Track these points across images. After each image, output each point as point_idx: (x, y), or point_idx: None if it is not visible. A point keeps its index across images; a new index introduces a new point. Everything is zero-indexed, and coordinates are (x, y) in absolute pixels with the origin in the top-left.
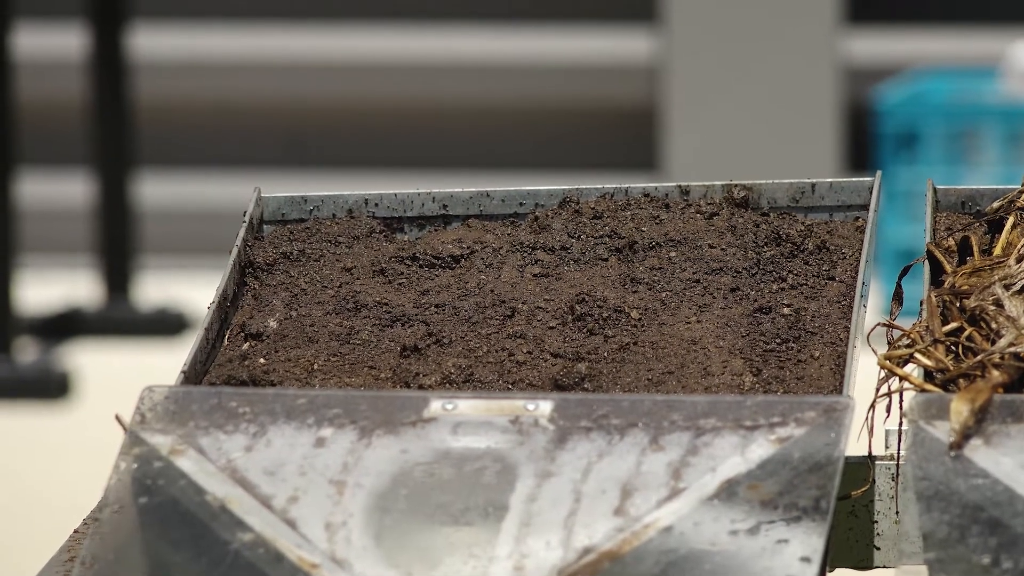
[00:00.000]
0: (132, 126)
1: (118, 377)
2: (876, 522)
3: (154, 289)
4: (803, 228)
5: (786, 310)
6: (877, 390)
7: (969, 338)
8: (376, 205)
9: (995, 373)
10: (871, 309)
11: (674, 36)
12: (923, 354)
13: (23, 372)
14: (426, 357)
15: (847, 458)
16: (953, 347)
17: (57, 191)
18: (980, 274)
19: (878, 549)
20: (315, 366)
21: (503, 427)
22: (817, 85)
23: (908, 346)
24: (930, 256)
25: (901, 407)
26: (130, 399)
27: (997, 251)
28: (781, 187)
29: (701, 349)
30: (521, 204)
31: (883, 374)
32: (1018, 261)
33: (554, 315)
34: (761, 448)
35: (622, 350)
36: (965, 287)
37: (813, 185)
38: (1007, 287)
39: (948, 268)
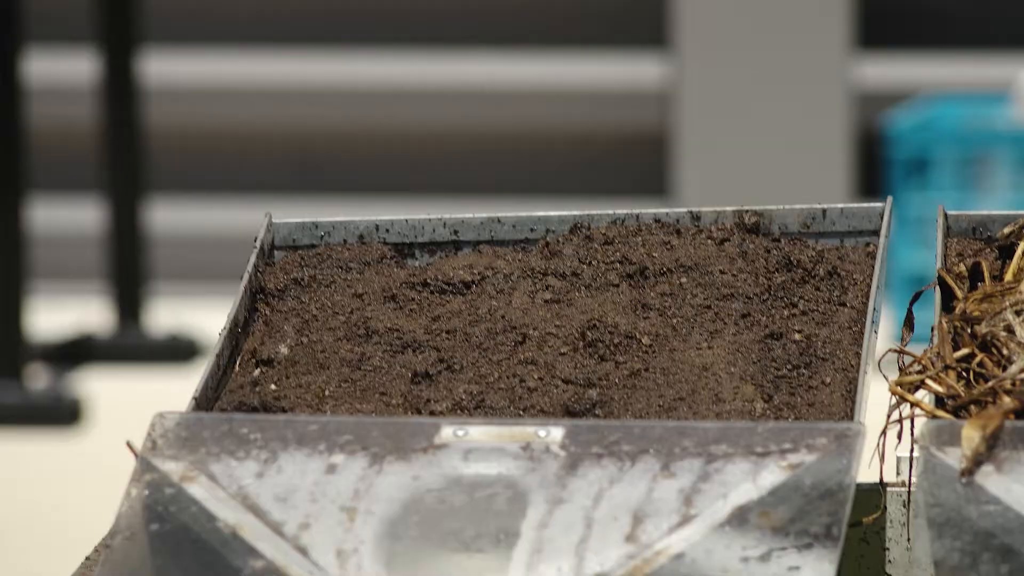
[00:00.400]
0: (143, 152)
1: (129, 403)
2: (887, 549)
3: (165, 315)
4: (814, 254)
5: (797, 336)
6: (888, 416)
7: (980, 364)
8: (387, 231)
9: (1006, 399)
10: (882, 335)
11: (685, 62)
12: (934, 380)
13: (34, 399)
14: (437, 383)
15: (858, 485)
16: (964, 373)
17: (68, 217)
18: (991, 300)
19: None
20: (326, 392)
21: (514, 453)
22: (828, 110)
23: (919, 372)
24: (941, 282)
25: (912, 433)
26: (141, 425)
27: (1008, 277)
28: (792, 213)
29: (712, 375)
30: (532, 230)
31: (894, 400)
32: None
33: (565, 341)
34: (772, 475)
35: (633, 376)
36: (976, 313)
37: (824, 211)
38: (1018, 313)
39: (959, 294)
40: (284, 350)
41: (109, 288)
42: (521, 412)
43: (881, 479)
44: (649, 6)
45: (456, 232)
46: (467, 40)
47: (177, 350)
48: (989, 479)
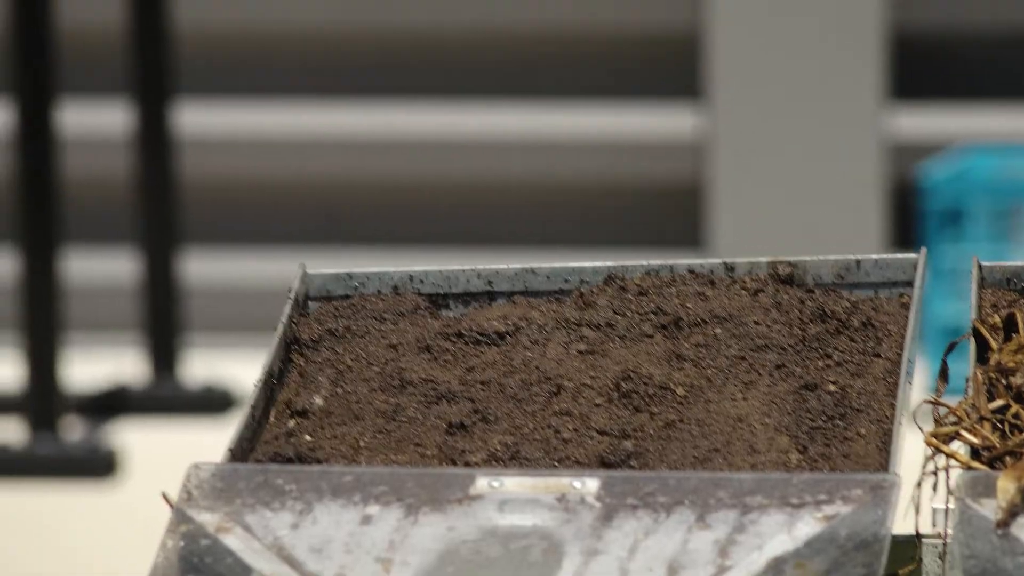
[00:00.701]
0: (177, 203)
1: (165, 455)
2: None
3: (200, 366)
4: (848, 305)
5: (832, 387)
6: (923, 467)
7: (1015, 415)
8: (421, 282)
9: None
10: (917, 386)
11: (718, 113)
12: (969, 431)
13: (70, 450)
14: (472, 434)
15: (894, 536)
16: (999, 424)
17: (102, 268)
18: None
19: None
20: (361, 443)
21: (549, 505)
22: (862, 161)
23: (954, 423)
24: (976, 333)
25: (948, 485)
26: (177, 477)
27: None
28: (826, 264)
29: (747, 426)
30: (566, 281)
31: (929, 451)
32: None
33: (600, 392)
34: (808, 526)
35: (668, 427)
36: (1011, 364)
37: (858, 262)
38: None
39: (994, 345)
40: (319, 401)
41: (144, 339)
42: (556, 463)
43: (916, 531)
44: (683, 57)
45: (490, 283)
46: (500, 91)
47: (212, 401)
48: None
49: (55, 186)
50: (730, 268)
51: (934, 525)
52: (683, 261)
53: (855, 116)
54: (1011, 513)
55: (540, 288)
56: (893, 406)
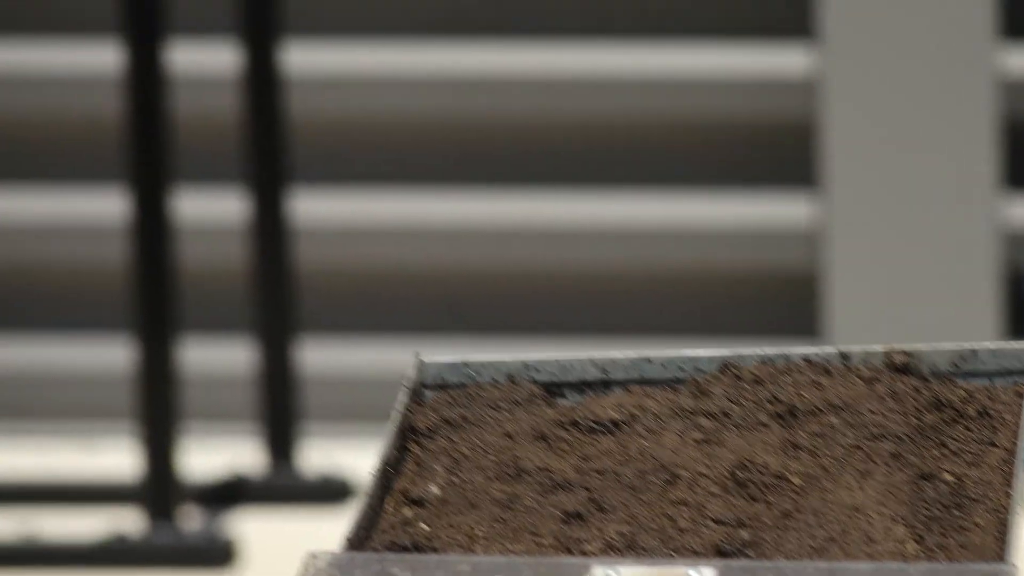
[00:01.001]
0: (293, 291)
1: (282, 544)
2: None
3: (317, 456)
4: (964, 394)
5: (948, 476)
6: None
7: None
8: (536, 370)
9: None
10: None
11: (834, 201)
12: None
13: (188, 540)
14: (588, 523)
15: None
16: None
17: (219, 357)
18: None
19: None
20: (477, 532)
21: None
22: (976, 249)
23: None
24: None
25: None
26: (294, 566)
27: None
28: (942, 352)
29: (863, 516)
30: (681, 369)
31: None
32: None
33: (716, 481)
34: None
35: (784, 517)
36: None
37: (974, 351)
38: None
39: None
40: (435, 490)
41: (261, 428)
42: (672, 552)
43: None
44: (797, 145)
45: (606, 371)
46: (615, 179)
47: (329, 490)
48: None
49: (171, 275)
50: (845, 357)
51: None
52: (798, 350)
53: (969, 204)
54: None
55: (655, 377)
56: (1009, 496)
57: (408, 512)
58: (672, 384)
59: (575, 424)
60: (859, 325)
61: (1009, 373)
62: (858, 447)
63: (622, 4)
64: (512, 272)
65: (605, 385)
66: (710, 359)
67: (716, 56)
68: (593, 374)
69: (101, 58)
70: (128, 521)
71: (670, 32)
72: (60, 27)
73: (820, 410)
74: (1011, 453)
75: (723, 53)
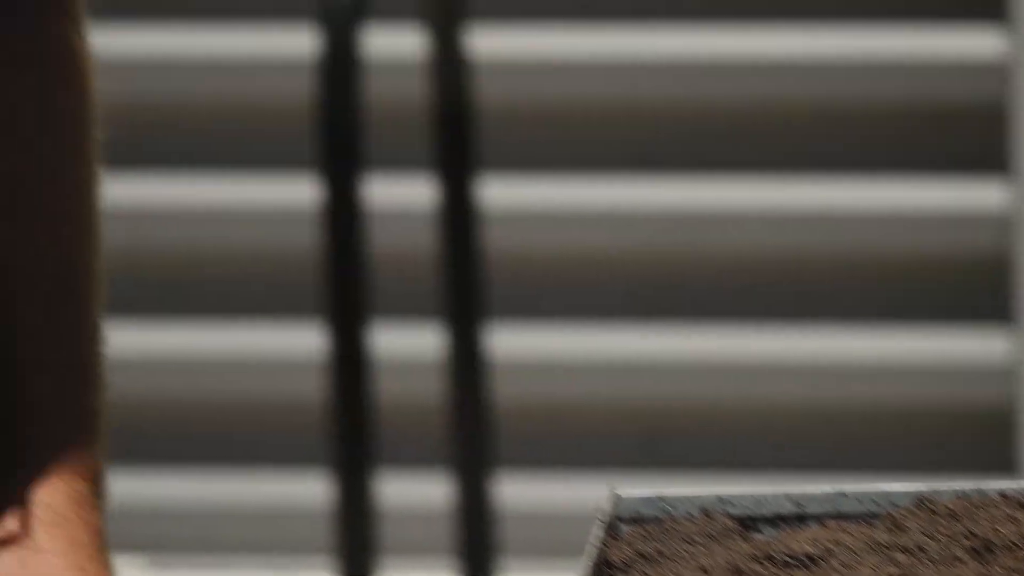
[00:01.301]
0: (489, 427)
1: None
2: None
3: None
4: None
5: None
6: None
7: None
8: (731, 504)
9: None
10: None
11: None
12: None
13: None
14: None
15: None
16: None
17: (416, 492)
18: None
19: None
20: None
21: None
22: None
23: None
24: None
25: None
26: None
27: None
28: None
29: None
30: (876, 503)
31: None
32: None
33: None
34: None
35: None
36: None
37: None
38: None
39: None
40: None
41: (458, 564)
42: None
43: None
44: (992, 280)
45: (800, 505)
46: (806, 313)
47: None
48: None
49: (369, 410)
50: None
51: None
52: (994, 485)
53: None
54: None
55: (850, 511)
56: None
57: None
58: (867, 518)
59: (770, 558)
60: None
61: None
62: None
63: None
64: (705, 406)
65: (800, 519)
66: (905, 493)
67: (909, 40)
68: (788, 508)
69: (298, 194)
70: None
71: (866, 16)
72: (259, 162)
73: (1017, 545)
74: None
75: (918, 36)
